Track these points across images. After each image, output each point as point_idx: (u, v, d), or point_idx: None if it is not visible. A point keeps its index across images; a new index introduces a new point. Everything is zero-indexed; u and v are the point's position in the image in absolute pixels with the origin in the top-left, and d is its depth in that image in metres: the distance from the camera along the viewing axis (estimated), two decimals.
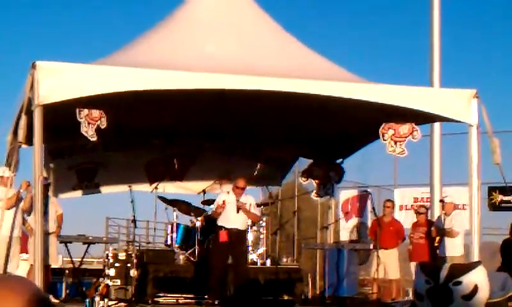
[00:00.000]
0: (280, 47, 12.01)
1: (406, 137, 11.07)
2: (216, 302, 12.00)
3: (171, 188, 15.40)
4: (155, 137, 14.87)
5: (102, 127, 10.05)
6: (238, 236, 12.56)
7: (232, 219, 12.50)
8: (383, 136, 11.12)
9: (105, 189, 15.54)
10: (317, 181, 15.07)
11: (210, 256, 12.83)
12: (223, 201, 12.50)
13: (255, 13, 12.61)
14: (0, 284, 1.56)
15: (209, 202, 14.23)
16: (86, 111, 10.00)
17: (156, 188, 14.91)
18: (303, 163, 16.74)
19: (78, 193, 15.18)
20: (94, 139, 10.11)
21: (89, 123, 10.01)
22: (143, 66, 10.26)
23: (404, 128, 11.03)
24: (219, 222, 12.56)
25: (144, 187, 15.34)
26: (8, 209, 11.64)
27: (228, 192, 12.73)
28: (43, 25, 64.94)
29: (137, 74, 10.12)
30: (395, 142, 11.07)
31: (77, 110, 9.96)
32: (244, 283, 12.56)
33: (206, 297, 12.02)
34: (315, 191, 15.24)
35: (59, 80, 9.64)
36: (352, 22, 59.65)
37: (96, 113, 10.03)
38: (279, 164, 16.28)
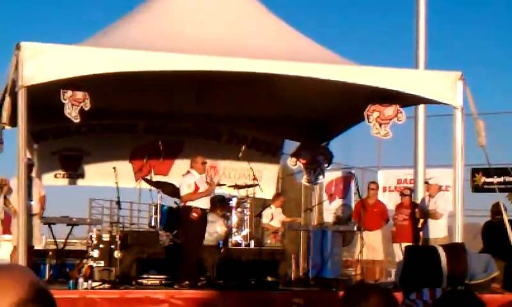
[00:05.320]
0: (266, 29, 11.93)
1: (390, 119, 11.10)
2: (200, 284, 11.94)
3: (157, 178, 15.15)
4: (140, 119, 14.79)
5: (86, 109, 10.02)
6: (205, 215, 12.36)
7: (204, 199, 12.24)
8: (368, 118, 11.14)
9: (89, 181, 15.42)
10: (305, 165, 15.01)
11: (186, 239, 12.36)
12: (195, 183, 12.17)
13: None
14: (0, 273, 1.54)
15: None
16: (69, 93, 9.97)
17: (140, 183, 14.68)
18: (288, 145, 16.72)
19: (61, 181, 15.03)
20: (77, 120, 10.10)
21: (72, 105, 9.97)
22: (128, 48, 10.20)
23: (389, 110, 11.05)
24: (194, 204, 12.15)
25: (129, 183, 15.02)
26: None
27: (190, 173, 12.39)
28: (28, 6, 64.41)
29: (122, 56, 10.06)
30: (380, 125, 11.10)
31: (61, 92, 9.93)
32: (227, 264, 12.51)
33: (187, 282, 11.78)
34: (305, 177, 15.18)
35: (43, 62, 9.60)
36: (338, 3, 59.57)
37: (79, 95, 9.99)
38: (267, 147, 16.18)
